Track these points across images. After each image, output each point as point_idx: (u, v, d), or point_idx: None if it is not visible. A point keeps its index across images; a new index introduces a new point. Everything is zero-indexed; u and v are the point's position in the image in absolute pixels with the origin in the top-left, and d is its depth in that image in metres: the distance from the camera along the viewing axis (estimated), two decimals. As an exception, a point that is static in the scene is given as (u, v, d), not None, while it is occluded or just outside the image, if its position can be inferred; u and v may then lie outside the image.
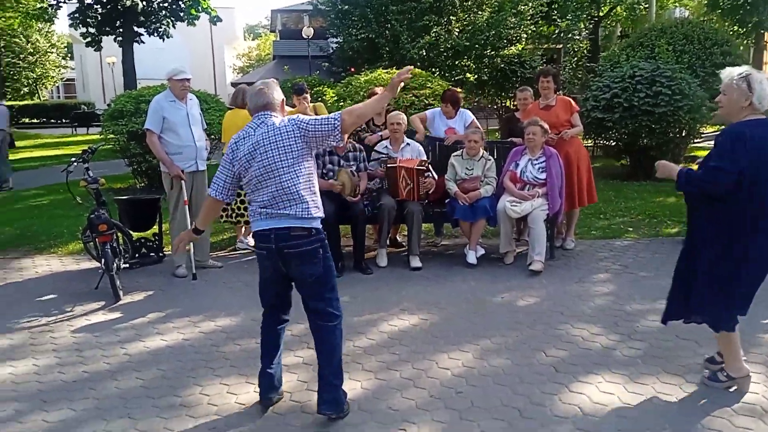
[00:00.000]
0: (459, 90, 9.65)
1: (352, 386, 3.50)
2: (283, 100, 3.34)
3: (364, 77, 9.37)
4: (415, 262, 5.76)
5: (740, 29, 13.49)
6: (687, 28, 11.74)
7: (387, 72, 9.40)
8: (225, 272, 5.87)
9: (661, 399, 3.29)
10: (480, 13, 11.29)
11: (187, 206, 5.66)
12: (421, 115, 6.69)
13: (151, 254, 6.23)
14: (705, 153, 11.53)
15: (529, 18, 11.95)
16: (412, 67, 3.46)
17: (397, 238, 6.60)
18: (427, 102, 8.62)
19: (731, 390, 3.34)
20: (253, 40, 56.16)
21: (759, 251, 3.16)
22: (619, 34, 23.63)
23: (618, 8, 23.32)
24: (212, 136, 6.12)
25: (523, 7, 11.60)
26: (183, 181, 5.61)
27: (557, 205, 5.69)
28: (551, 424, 3.07)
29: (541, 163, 5.75)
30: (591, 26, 20.73)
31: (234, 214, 6.37)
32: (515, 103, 6.63)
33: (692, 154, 11.21)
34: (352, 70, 17.58)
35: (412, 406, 3.30)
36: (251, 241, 6.54)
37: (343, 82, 9.72)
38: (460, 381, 3.55)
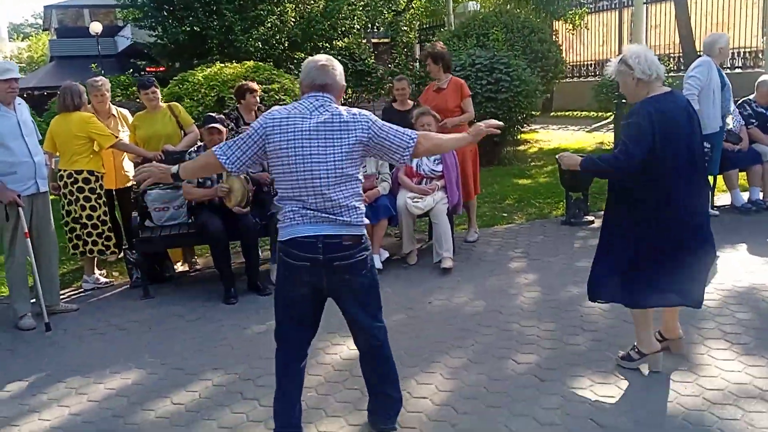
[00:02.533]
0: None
1: (329, 441, 2.88)
2: (343, 86, 2.73)
3: (200, 73, 8.37)
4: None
5: (536, 18, 14.51)
6: (506, 18, 12.33)
7: (226, 66, 8.51)
8: (84, 315, 4.75)
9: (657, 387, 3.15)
10: (315, 2, 10.75)
11: (28, 239, 4.45)
12: None
13: (-27, 304, 4.87)
14: (533, 136, 12.29)
15: (360, 9, 11.70)
16: (501, 123, 2.95)
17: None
18: (277, 97, 7.93)
19: (645, 367, 3.31)
20: (21, 40, 49.60)
21: (666, 230, 3.13)
22: (419, 27, 24.49)
23: (414, 1, 24.24)
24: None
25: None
26: (20, 208, 4.39)
27: (456, 197, 5.46)
28: (574, 444, 2.76)
29: (436, 155, 5.45)
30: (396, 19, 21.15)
31: (84, 243, 5.18)
32: (393, 94, 6.27)
33: (521, 137, 11.80)
34: (152, 69, 16.03)
35: (413, 452, 2.78)
36: (101, 278, 5.42)
37: (175, 80, 8.60)
38: (449, 412, 3.09)
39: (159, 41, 11.72)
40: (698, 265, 3.21)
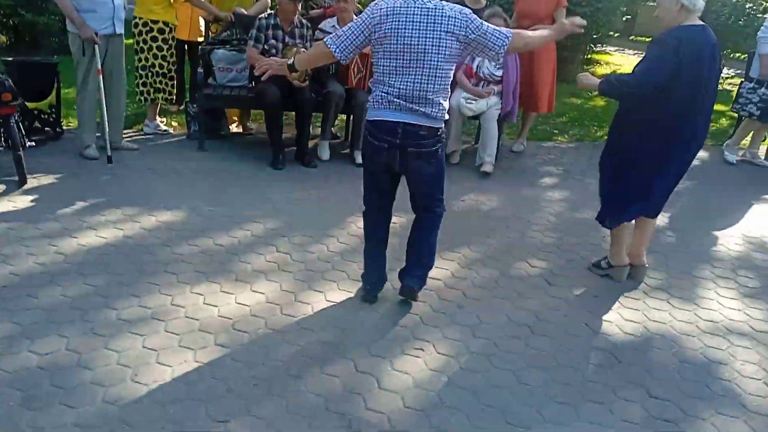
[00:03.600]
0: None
1: (337, 299, 3.22)
2: None
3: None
4: (360, 157, 5.36)
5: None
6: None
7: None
8: (144, 156, 5.13)
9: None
10: None
11: (101, 76, 4.75)
12: None
13: (46, 129, 5.28)
14: (606, 57, 11.75)
15: None
16: (584, 21, 3.07)
17: (332, 129, 6.11)
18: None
19: (610, 277, 3.64)
20: None
21: (669, 159, 3.30)
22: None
23: None
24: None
25: None
26: (96, 46, 4.66)
27: (510, 104, 5.48)
28: (567, 341, 3.02)
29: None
30: None
31: (152, 90, 5.48)
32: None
33: (591, 56, 11.44)
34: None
35: (418, 322, 3.09)
36: (161, 125, 5.76)
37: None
38: (457, 294, 3.37)
39: None
40: (667, 187, 3.45)
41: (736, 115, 6.53)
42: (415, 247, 3.21)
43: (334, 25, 5.47)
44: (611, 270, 3.67)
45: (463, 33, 2.77)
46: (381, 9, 2.80)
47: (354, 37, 2.85)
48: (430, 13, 2.75)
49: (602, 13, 9.17)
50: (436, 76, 2.80)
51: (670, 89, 3.12)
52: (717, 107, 8.45)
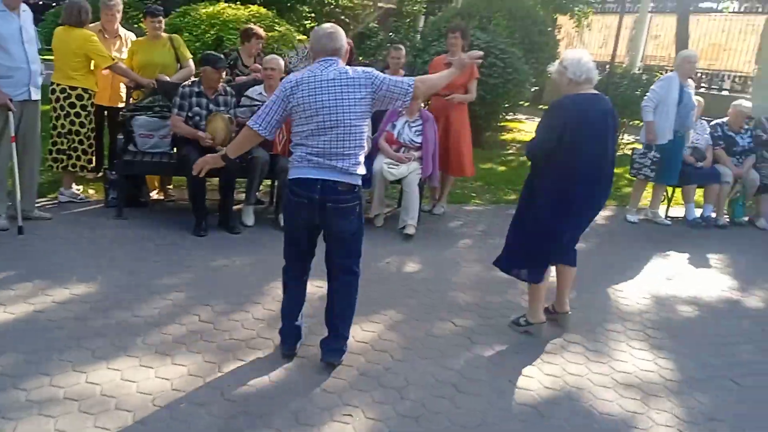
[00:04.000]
0: (305, 38, 9.19)
1: (262, 367, 3.18)
2: (347, 49, 3.14)
3: (204, 9, 8.44)
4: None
5: (541, 10, 14.62)
6: (511, 4, 12.44)
7: (230, 6, 8.57)
8: (58, 225, 4.94)
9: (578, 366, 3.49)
10: (325, -43, 10.81)
11: (14, 144, 4.61)
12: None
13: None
14: (517, 125, 12.43)
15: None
16: (482, 53, 3.46)
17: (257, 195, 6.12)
18: (275, 46, 8.05)
19: (529, 333, 3.79)
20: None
21: (579, 203, 3.57)
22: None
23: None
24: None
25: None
26: (11, 112, 4.54)
27: (430, 169, 5.70)
28: (492, 398, 3.08)
29: (417, 126, 5.69)
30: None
31: (67, 157, 5.34)
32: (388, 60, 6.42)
33: (503, 124, 12.06)
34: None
35: (346, 386, 3.08)
36: (78, 193, 5.60)
37: (178, 12, 8.66)
38: (384, 356, 3.40)
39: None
40: (575, 236, 3.78)
41: (634, 178, 7.03)
42: (333, 318, 3.25)
43: (260, 92, 5.58)
44: (530, 327, 3.82)
45: (369, 89, 3.01)
46: (290, 82, 3.04)
47: (273, 113, 3.06)
48: (336, 77, 2.99)
49: (512, 85, 9.75)
50: (350, 134, 3.01)
51: (561, 151, 3.44)
52: (618, 171, 9.04)
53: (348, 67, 3.08)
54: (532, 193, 3.68)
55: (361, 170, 3.09)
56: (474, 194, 7.31)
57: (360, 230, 3.18)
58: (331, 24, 3.19)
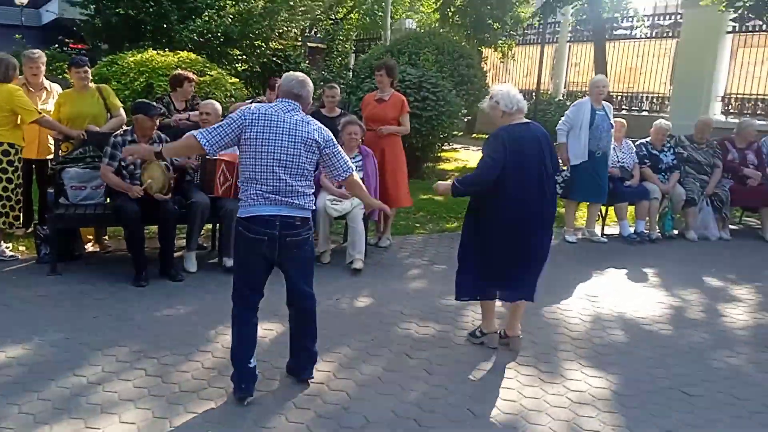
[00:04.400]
0: (238, 81, 9.18)
1: (215, 418, 3.07)
2: (310, 102, 3.40)
3: (132, 57, 8.30)
4: (231, 262, 5.28)
5: (467, 44, 15.15)
6: (438, 40, 12.83)
7: (158, 53, 8.47)
8: (-13, 286, 4.69)
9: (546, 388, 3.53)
10: (254, 2, 10.80)
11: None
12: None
13: None
14: (453, 154, 12.68)
15: (299, 14, 11.84)
16: (389, 209, 4.03)
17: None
18: (208, 90, 7.99)
19: (485, 343, 4.01)
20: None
21: (525, 234, 3.73)
22: (354, 38, 24.81)
23: (353, 13, 24.60)
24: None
25: (291, 2, 11.42)
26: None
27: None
28: (453, 429, 3.07)
29: (357, 161, 5.73)
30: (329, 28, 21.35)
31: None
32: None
33: (439, 154, 12.30)
34: (74, 46, 15.49)
35: (304, 429, 3.01)
36: (6, 251, 5.34)
37: (105, 61, 8.49)
38: (342, 396, 3.34)
39: (90, 20, 11.47)
40: (533, 268, 3.86)
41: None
42: (302, 339, 3.42)
43: (195, 137, 5.50)
44: (485, 337, 4.02)
45: (323, 145, 3.24)
46: (252, 113, 3.17)
47: (224, 134, 3.16)
48: (297, 121, 3.19)
49: (446, 116, 10.00)
50: (302, 174, 3.20)
51: (504, 178, 3.63)
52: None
53: (310, 117, 3.29)
54: (478, 223, 3.82)
55: (313, 204, 3.30)
56: (417, 224, 7.39)
57: (313, 256, 3.45)
58: (304, 75, 3.37)
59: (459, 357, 3.89)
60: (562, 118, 6.73)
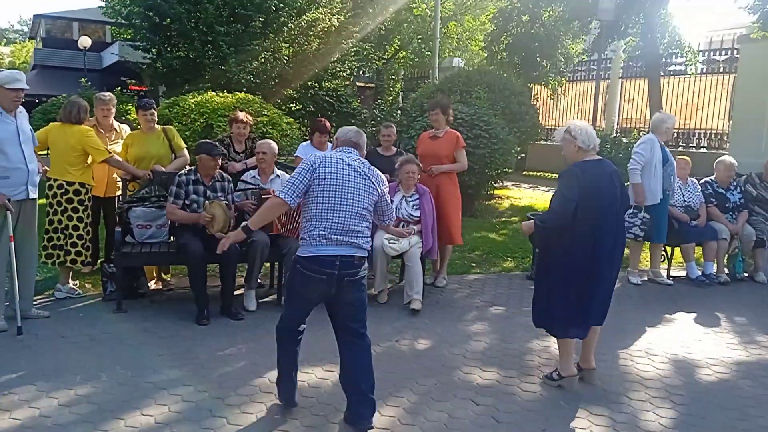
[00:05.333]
0: (293, 120, 9.35)
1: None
2: (364, 153, 3.60)
3: (192, 99, 8.59)
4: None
5: (517, 80, 15.16)
6: (488, 78, 12.86)
7: (217, 94, 8.74)
8: (57, 323, 4.80)
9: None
10: (307, 44, 11.11)
11: (12, 243, 4.53)
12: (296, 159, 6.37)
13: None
14: (505, 192, 12.53)
15: (352, 54, 12.11)
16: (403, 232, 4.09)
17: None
18: (265, 129, 8.17)
19: (563, 387, 3.93)
20: (4, 45, 49.38)
21: (599, 269, 3.74)
22: (401, 77, 25.15)
23: (401, 52, 25.04)
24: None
25: (344, 45, 11.70)
26: (9, 212, 4.49)
27: (430, 242, 5.70)
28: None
29: (414, 200, 5.72)
30: (381, 67, 21.71)
31: (64, 253, 5.24)
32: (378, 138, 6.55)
33: (494, 192, 12.21)
34: (134, 88, 16.16)
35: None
36: (75, 288, 5.47)
37: (167, 103, 8.81)
38: (409, 442, 3.26)
39: (152, 63, 11.97)
40: (606, 294, 3.88)
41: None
42: (357, 382, 3.33)
43: (254, 176, 5.60)
44: (563, 381, 3.94)
45: (380, 190, 3.44)
46: (318, 157, 3.38)
47: (299, 183, 3.29)
48: (360, 164, 3.39)
49: (499, 154, 9.93)
50: (362, 215, 3.32)
51: (576, 215, 3.63)
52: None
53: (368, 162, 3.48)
54: (556, 260, 3.83)
55: (369, 243, 3.39)
56: (473, 264, 7.28)
57: (366, 296, 3.44)
58: (357, 128, 3.63)
59: (526, 404, 3.76)
60: (634, 157, 6.31)
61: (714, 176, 7.03)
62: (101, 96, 5.77)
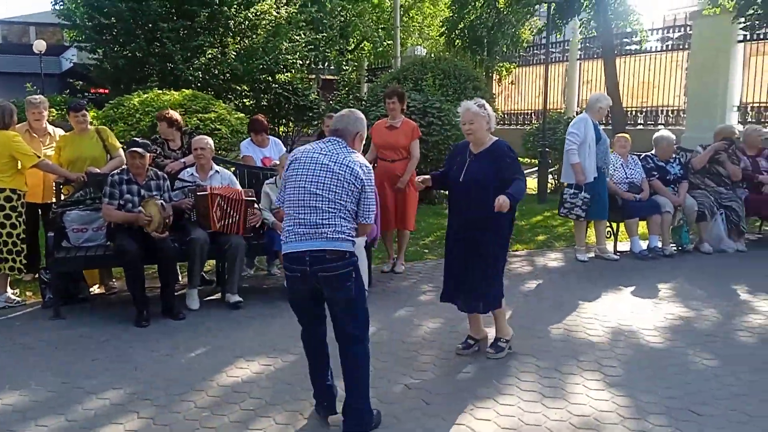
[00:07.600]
0: (243, 116, 9.26)
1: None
2: (356, 132, 3.26)
3: (136, 98, 8.45)
4: (236, 298, 5.24)
5: (477, 68, 15.19)
6: (444, 64, 12.87)
7: (164, 92, 8.62)
8: (-8, 332, 4.71)
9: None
10: (255, 37, 10.97)
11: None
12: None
13: None
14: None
15: (303, 46, 12.00)
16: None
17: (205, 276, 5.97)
18: (213, 126, 8.08)
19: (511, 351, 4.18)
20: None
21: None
22: (366, 67, 25.05)
23: (365, 43, 24.91)
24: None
25: (296, 37, 11.58)
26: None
27: (375, 232, 5.68)
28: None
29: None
30: (341, 59, 21.58)
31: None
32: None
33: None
34: (94, 91, 15.88)
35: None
36: (13, 297, 5.37)
37: (111, 103, 8.65)
38: (337, 431, 3.25)
39: (99, 64, 11.77)
40: None
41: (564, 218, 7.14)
42: (346, 391, 3.24)
43: (192, 173, 5.54)
44: (509, 344, 4.23)
45: (356, 185, 3.10)
46: (293, 154, 3.26)
47: (282, 183, 3.30)
48: (330, 158, 3.13)
49: (453, 140, 9.94)
50: (331, 209, 3.08)
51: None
52: (548, 212, 9.20)
53: (358, 157, 3.19)
54: (498, 230, 4.00)
55: (351, 236, 3.13)
56: (426, 250, 7.29)
57: (356, 299, 3.19)
58: (351, 109, 3.42)
59: (459, 385, 3.78)
60: (569, 138, 6.40)
61: (653, 150, 7.12)
62: (31, 99, 5.64)
